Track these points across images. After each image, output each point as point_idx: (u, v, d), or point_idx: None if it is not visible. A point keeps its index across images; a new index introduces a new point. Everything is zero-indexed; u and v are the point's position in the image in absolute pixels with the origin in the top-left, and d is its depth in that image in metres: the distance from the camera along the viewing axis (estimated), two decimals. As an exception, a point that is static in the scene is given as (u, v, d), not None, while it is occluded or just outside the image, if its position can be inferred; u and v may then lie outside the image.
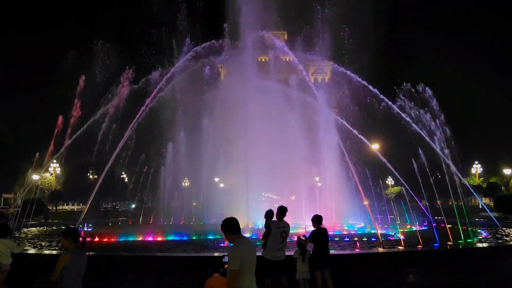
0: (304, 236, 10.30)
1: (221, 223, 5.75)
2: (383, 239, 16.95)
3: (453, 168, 25.59)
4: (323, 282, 9.59)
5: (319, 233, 9.79)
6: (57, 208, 50.34)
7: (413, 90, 27.85)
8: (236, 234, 5.64)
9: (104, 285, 10.06)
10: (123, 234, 20.23)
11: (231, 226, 5.66)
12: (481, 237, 19.54)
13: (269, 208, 10.01)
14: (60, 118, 22.95)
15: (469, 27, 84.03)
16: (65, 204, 64.04)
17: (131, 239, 19.35)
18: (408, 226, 25.45)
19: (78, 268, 6.41)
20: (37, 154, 25.81)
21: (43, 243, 17.97)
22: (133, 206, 58.62)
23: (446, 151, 25.71)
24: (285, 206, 9.72)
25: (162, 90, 26.75)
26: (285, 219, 9.60)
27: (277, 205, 9.82)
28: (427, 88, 27.96)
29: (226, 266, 5.51)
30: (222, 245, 15.37)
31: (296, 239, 10.22)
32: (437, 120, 26.82)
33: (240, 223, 5.74)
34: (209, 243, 16.91)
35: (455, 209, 22.61)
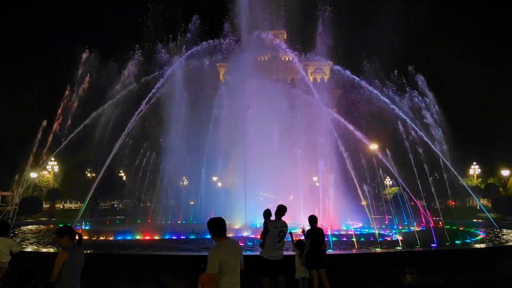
0: (302, 229, 10.34)
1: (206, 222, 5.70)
2: (381, 239, 16.98)
3: (451, 169, 25.63)
4: (320, 281, 9.60)
5: (314, 233, 9.84)
6: (55, 206, 50.11)
7: (414, 92, 27.92)
8: (220, 236, 5.55)
9: (101, 283, 10.04)
10: (121, 232, 20.21)
11: (214, 228, 5.59)
12: (478, 238, 19.59)
13: (267, 208, 10.00)
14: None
15: (466, 33, 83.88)
16: (62, 202, 63.88)
17: (128, 238, 19.34)
18: (406, 227, 25.48)
19: (76, 265, 6.39)
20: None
21: (36, 241, 17.93)
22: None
23: (445, 152, 25.74)
24: (284, 205, 9.70)
25: (160, 89, 26.69)
26: (283, 218, 9.59)
27: (272, 205, 9.80)
28: (428, 91, 28.03)
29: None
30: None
31: (292, 237, 10.20)
32: (436, 121, 26.87)
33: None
34: (206, 242, 16.89)
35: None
